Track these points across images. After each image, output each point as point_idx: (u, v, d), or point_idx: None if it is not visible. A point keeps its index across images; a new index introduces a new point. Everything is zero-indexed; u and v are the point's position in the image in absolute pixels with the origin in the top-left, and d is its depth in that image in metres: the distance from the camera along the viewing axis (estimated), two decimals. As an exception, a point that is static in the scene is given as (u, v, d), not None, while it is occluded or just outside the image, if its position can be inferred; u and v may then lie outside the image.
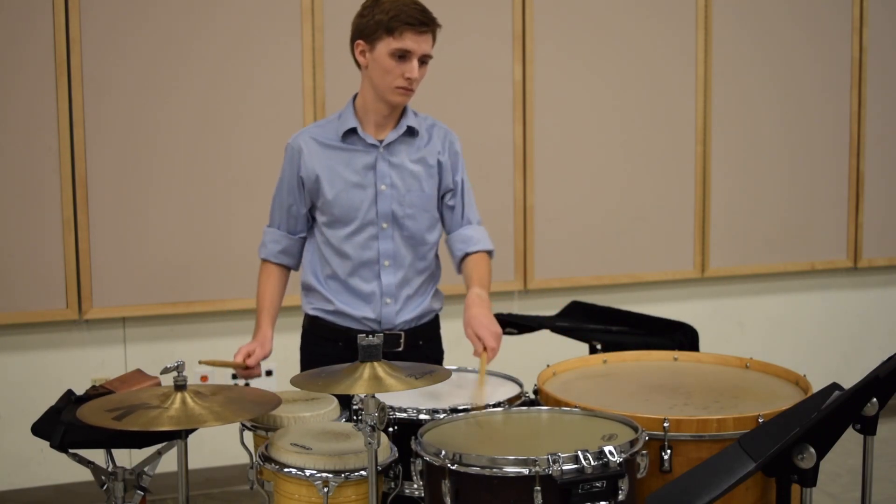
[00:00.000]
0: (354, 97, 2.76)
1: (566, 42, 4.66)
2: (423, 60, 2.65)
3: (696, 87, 4.88)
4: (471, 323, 2.58)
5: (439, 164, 2.77)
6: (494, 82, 4.56)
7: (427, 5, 2.67)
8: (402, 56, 2.61)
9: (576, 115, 4.71)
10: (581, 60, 4.70)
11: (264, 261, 2.85)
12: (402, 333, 2.75)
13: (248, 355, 2.69)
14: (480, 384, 2.60)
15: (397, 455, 2.27)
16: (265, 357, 2.73)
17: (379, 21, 2.60)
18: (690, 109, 4.89)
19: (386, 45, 2.60)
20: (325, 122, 2.81)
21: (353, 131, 2.71)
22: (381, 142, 2.72)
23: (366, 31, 2.64)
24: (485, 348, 2.55)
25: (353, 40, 2.69)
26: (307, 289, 2.82)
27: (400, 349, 2.74)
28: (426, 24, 2.61)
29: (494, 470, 2.05)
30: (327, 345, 2.77)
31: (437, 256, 2.86)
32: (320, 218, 2.75)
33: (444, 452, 2.11)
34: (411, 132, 2.74)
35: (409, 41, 2.59)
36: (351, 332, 2.66)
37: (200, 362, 2.61)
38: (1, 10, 3.96)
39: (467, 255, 2.80)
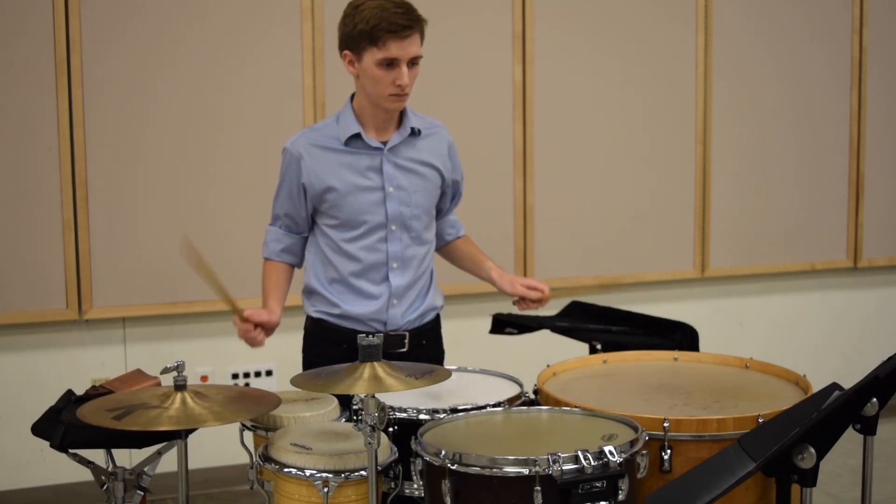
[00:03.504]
0: (352, 98, 2.75)
1: (566, 42, 4.66)
2: (414, 61, 2.60)
3: (696, 87, 4.88)
4: (518, 280, 2.85)
5: (446, 169, 2.79)
6: (494, 82, 4.56)
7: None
8: (390, 64, 2.57)
9: (576, 116, 4.71)
10: (581, 60, 4.70)
11: (267, 259, 2.84)
12: (407, 334, 2.75)
13: (252, 313, 2.62)
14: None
15: (397, 455, 2.27)
16: (269, 324, 2.64)
17: (361, 31, 2.55)
18: (690, 109, 4.89)
19: (371, 56, 2.56)
20: (321, 125, 2.77)
21: (356, 136, 2.69)
22: (384, 144, 2.71)
23: (350, 41, 2.60)
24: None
25: (340, 50, 2.67)
26: (310, 292, 2.81)
27: (404, 349, 2.74)
28: (409, 26, 2.55)
29: (494, 470, 2.05)
30: (331, 347, 2.75)
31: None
32: (326, 221, 2.73)
33: (444, 452, 2.11)
34: (413, 133, 2.74)
35: (394, 49, 2.54)
36: (355, 334, 2.64)
37: (184, 239, 2.34)
38: (1, 11, 3.96)
39: (456, 238, 3.00)
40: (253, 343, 2.65)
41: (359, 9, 2.57)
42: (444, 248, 3.01)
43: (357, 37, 2.57)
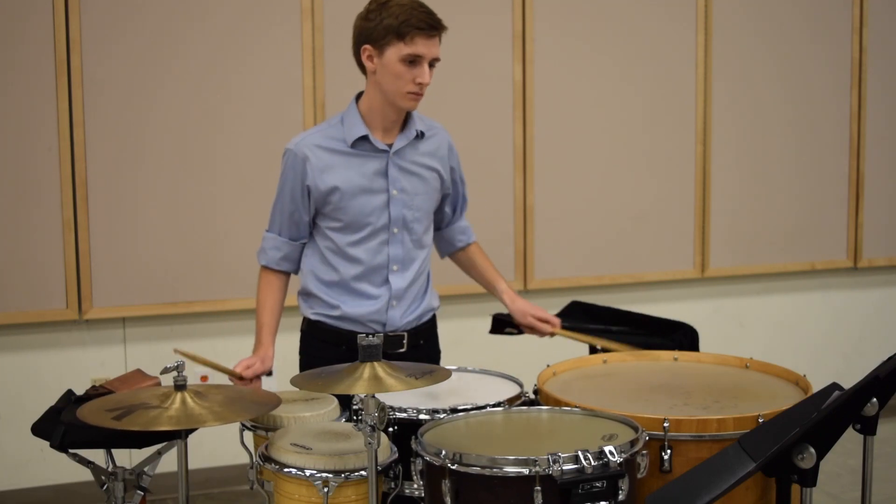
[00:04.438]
0: (356, 99, 2.73)
1: (566, 42, 4.66)
2: (432, 64, 2.62)
3: (696, 87, 4.88)
4: (529, 310, 2.94)
5: (446, 170, 2.80)
6: (494, 82, 4.56)
7: (428, 5, 2.66)
8: (413, 61, 2.58)
9: (576, 116, 4.71)
10: (581, 60, 4.70)
11: (264, 268, 2.82)
12: (405, 334, 2.75)
13: (248, 367, 2.66)
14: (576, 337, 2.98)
15: (397, 455, 2.27)
16: (264, 373, 2.70)
17: (388, 26, 2.56)
18: (690, 109, 4.89)
19: (397, 51, 2.57)
20: (325, 126, 2.74)
21: (363, 138, 2.68)
22: (389, 146, 2.71)
23: (373, 35, 2.59)
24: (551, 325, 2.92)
25: (358, 44, 2.65)
26: (307, 294, 2.80)
27: (403, 350, 2.74)
28: (436, 27, 2.59)
29: (494, 470, 2.05)
30: (329, 348, 2.75)
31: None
32: (328, 224, 2.71)
33: (444, 452, 2.11)
34: (417, 135, 2.74)
35: (421, 46, 2.57)
36: (354, 336, 2.65)
37: (176, 351, 2.44)
38: (1, 11, 3.96)
39: (468, 245, 3.00)
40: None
41: (386, 5, 2.58)
42: (455, 254, 3.01)
43: (383, 31, 2.57)
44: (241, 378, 2.65)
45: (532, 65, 4.59)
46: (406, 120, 2.73)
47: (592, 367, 2.84)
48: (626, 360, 2.88)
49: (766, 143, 5.05)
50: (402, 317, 2.75)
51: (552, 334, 2.95)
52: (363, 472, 2.16)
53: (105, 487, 2.40)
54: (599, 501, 2.04)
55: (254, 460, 2.37)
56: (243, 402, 2.21)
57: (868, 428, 2.18)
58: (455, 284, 4.03)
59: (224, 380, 2.57)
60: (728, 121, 4.95)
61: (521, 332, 3.49)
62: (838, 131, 5.16)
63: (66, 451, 2.39)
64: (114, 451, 2.46)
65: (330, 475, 2.16)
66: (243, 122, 4.26)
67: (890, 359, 2.11)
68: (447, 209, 2.91)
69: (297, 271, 2.85)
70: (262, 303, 2.79)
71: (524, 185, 4.63)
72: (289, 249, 2.79)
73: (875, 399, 2.10)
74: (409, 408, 2.40)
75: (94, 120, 4.08)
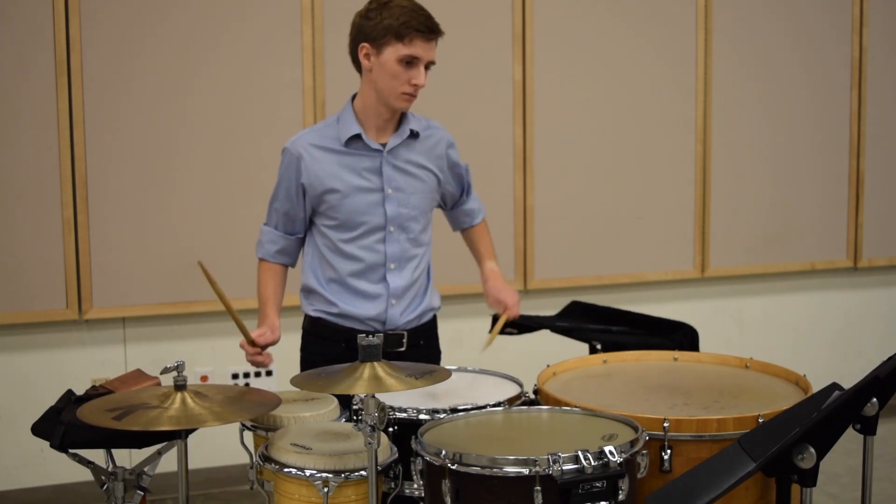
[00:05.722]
0: (352, 99, 2.75)
1: (566, 42, 4.66)
2: (427, 66, 2.65)
3: (696, 87, 4.88)
4: (491, 292, 2.89)
5: (442, 169, 2.81)
6: (494, 82, 4.56)
7: (428, 5, 2.67)
8: (410, 62, 2.61)
9: (576, 115, 4.71)
10: (581, 60, 4.70)
11: (262, 260, 2.86)
12: (405, 333, 2.76)
13: (260, 336, 2.66)
14: (490, 340, 2.89)
15: (397, 455, 2.28)
16: (275, 342, 2.69)
17: (388, 26, 2.58)
18: (690, 109, 4.89)
19: (395, 51, 2.59)
20: (322, 126, 2.78)
21: (356, 136, 2.70)
22: (383, 145, 2.72)
23: (372, 34, 2.62)
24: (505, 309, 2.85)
25: (356, 41, 2.67)
26: (308, 291, 2.82)
27: (402, 349, 2.75)
28: (434, 31, 2.62)
29: (494, 470, 2.05)
30: (328, 345, 2.77)
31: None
32: (324, 222, 2.74)
33: (444, 452, 2.11)
34: (412, 135, 2.75)
35: (419, 48, 2.59)
36: (353, 333, 2.66)
37: (200, 263, 2.50)
38: (1, 11, 3.96)
39: (470, 227, 3.02)
40: (260, 365, 2.68)
41: (387, 5, 2.61)
42: (463, 232, 3.06)
43: (383, 30, 2.59)
44: (252, 344, 2.64)
45: (532, 65, 4.59)
46: (400, 120, 2.74)
47: (592, 367, 2.84)
48: (626, 360, 2.88)
49: (765, 143, 5.05)
50: (401, 315, 2.76)
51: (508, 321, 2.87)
52: (363, 472, 2.17)
53: (105, 487, 2.40)
54: (599, 501, 2.05)
55: (254, 460, 2.37)
56: (243, 402, 2.21)
57: (868, 428, 2.18)
58: (455, 284, 4.03)
59: (224, 380, 2.58)
60: (728, 120, 4.95)
61: (520, 332, 3.50)
62: (838, 131, 5.16)
63: (66, 451, 2.39)
64: (114, 451, 2.46)
65: (330, 475, 2.17)
66: (243, 122, 4.26)
67: (890, 359, 2.11)
68: (454, 192, 2.93)
69: (293, 265, 2.87)
70: (263, 283, 2.83)
71: (524, 185, 4.63)
72: (285, 243, 2.82)
73: (875, 399, 2.10)
74: (409, 408, 2.40)
75: (94, 120, 4.08)
